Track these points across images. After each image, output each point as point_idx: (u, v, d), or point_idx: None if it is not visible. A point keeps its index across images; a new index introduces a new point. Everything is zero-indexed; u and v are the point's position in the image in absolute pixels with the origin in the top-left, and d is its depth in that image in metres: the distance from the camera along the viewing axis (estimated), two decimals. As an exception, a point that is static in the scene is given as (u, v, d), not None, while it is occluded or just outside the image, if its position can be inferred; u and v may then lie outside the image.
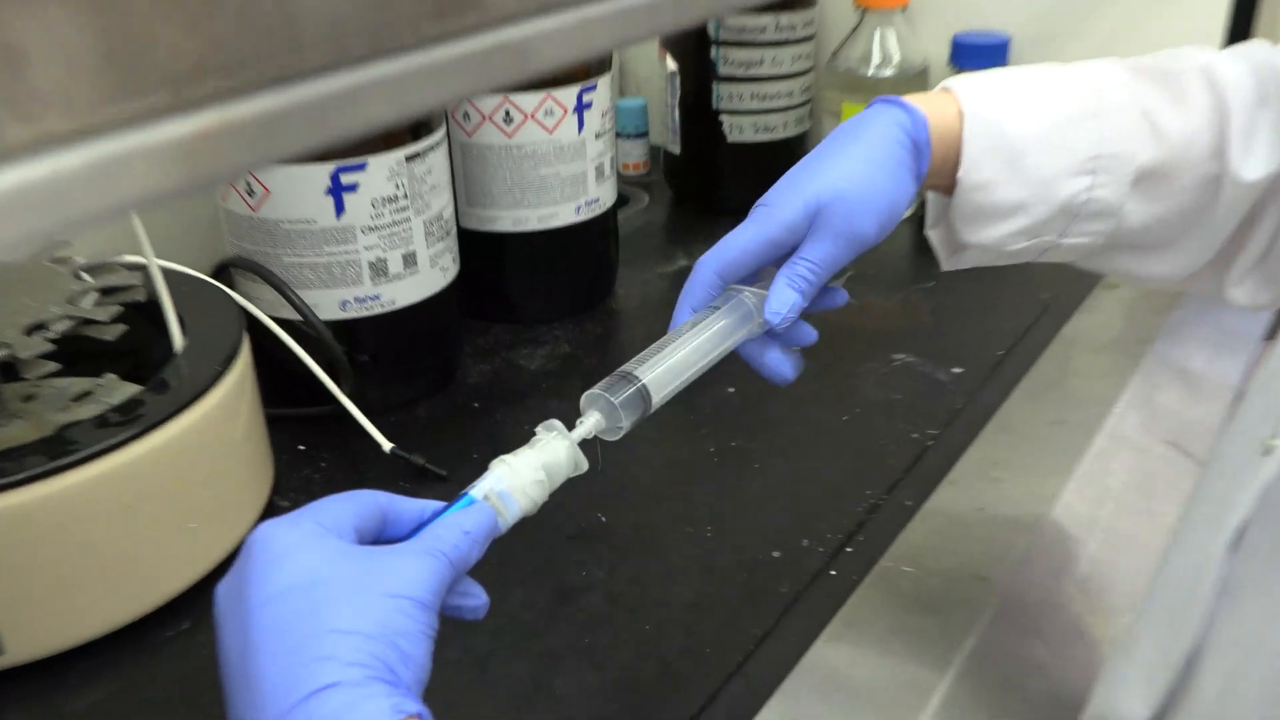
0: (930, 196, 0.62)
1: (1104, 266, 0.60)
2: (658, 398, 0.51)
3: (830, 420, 0.83)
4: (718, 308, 0.54)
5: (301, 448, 0.81)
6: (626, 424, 0.50)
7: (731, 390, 0.87)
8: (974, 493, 0.73)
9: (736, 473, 0.77)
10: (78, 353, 0.68)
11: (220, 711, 0.39)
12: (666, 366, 0.52)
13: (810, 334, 0.57)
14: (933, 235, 0.62)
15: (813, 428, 0.82)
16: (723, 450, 0.80)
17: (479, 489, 0.46)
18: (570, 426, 0.49)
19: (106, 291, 0.69)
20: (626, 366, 0.51)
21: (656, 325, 1.00)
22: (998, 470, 0.75)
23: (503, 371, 0.91)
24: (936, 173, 0.57)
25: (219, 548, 0.67)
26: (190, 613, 0.65)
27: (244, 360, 0.70)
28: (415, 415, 0.85)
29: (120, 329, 0.65)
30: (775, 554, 0.69)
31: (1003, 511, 0.71)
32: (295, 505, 0.72)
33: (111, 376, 0.74)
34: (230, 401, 0.67)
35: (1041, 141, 0.55)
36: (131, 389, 0.72)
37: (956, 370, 0.89)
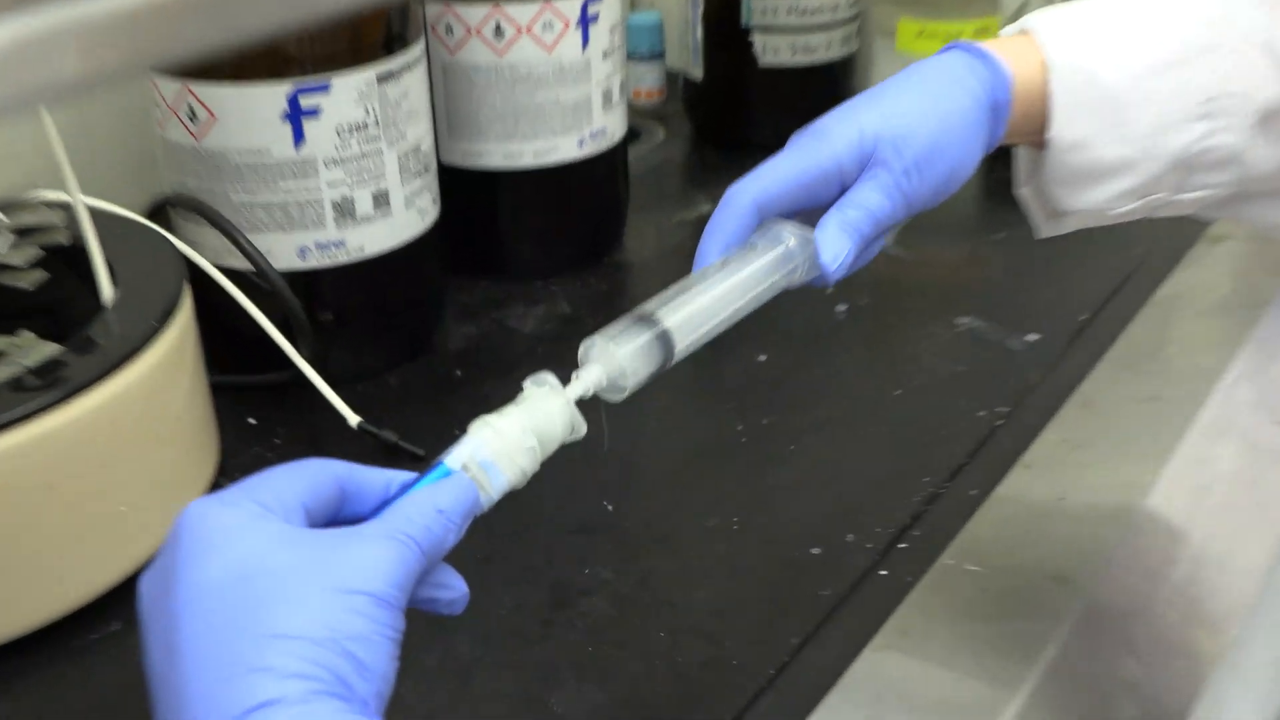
0: (1019, 153, 0.61)
1: (1229, 216, 0.60)
2: (681, 346, 0.50)
3: (881, 394, 0.83)
4: (754, 245, 0.54)
5: (251, 421, 0.81)
6: (634, 380, 0.49)
7: (763, 358, 0.87)
8: (1052, 479, 0.73)
9: (768, 455, 0.77)
10: (-13, 305, 0.68)
11: (156, 725, 0.39)
12: (694, 309, 0.51)
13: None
14: (1025, 196, 0.62)
15: (860, 403, 0.82)
16: (752, 429, 0.79)
17: (455, 457, 0.45)
18: (566, 382, 0.48)
19: (23, 233, 0.69)
20: (645, 306, 0.51)
21: (672, 280, 1.00)
22: (1081, 454, 0.75)
23: (491, 335, 0.91)
24: (1019, 131, 0.57)
25: (154, 536, 0.67)
26: (121, 611, 0.65)
27: (185, 316, 0.70)
28: (387, 385, 0.85)
29: (40, 276, 0.65)
30: (814, 551, 0.68)
31: (1086, 501, 0.71)
32: None
33: (28, 334, 0.74)
34: (168, 365, 0.67)
35: (1144, 88, 0.55)
36: (51, 348, 0.72)
37: (1031, 337, 0.88)
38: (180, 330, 0.69)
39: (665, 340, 0.50)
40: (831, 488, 0.74)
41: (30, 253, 0.67)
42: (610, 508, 0.73)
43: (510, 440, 0.45)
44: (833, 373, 0.86)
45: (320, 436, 0.79)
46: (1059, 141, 0.56)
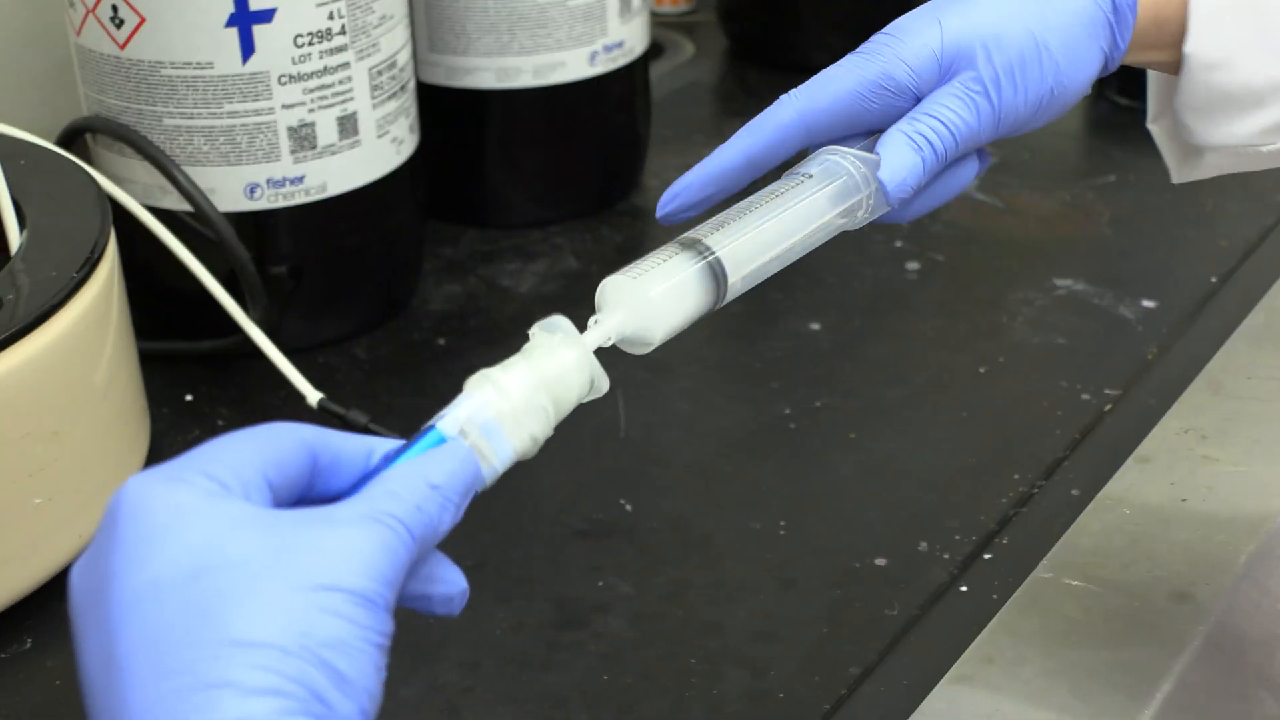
0: (1151, 78, 0.62)
1: None
2: (735, 280, 0.51)
3: (962, 371, 0.84)
4: (809, 175, 0.55)
5: (189, 398, 0.82)
6: (668, 326, 0.51)
7: (816, 326, 0.88)
8: (1173, 477, 0.74)
9: (822, 445, 0.78)
10: None
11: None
12: (749, 240, 0.52)
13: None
14: (1158, 132, 0.63)
15: (936, 382, 0.83)
16: (803, 412, 0.81)
17: (451, 420, 0.44)
18: (583, 328, 0.48)
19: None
20: (691, 233, 0.52)
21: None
22: (1207, 447, 0.76)
23: (479, 296, 0.92)
24: (1148, 44, 0.57)
25: (73, 534, 0.68)
26: (35, 625, 0.66)
27: (108, 268, 0.71)
28: (352, 355, 0.86)
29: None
30: (879, 562, 0.70)
31: (1215, 506, 0.72)
32: None
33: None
34: (88, 326, 0.68)
35: None
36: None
37: (1148, 304, 0.89)
38: (103, 285, 0.70)
39: (714, 273, 0.51)
40: (900, 486, 0.75)
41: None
42: (629, 507, 0.74)
43: (517, 399, 0.45)
44: (901, 345, 0.87)
45: (272, 417, 0.80)
46: (1197, 57, 0.56)
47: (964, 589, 0.68)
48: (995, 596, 0.67)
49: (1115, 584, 0.67)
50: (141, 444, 0.75)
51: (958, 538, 0.71)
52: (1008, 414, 0.80)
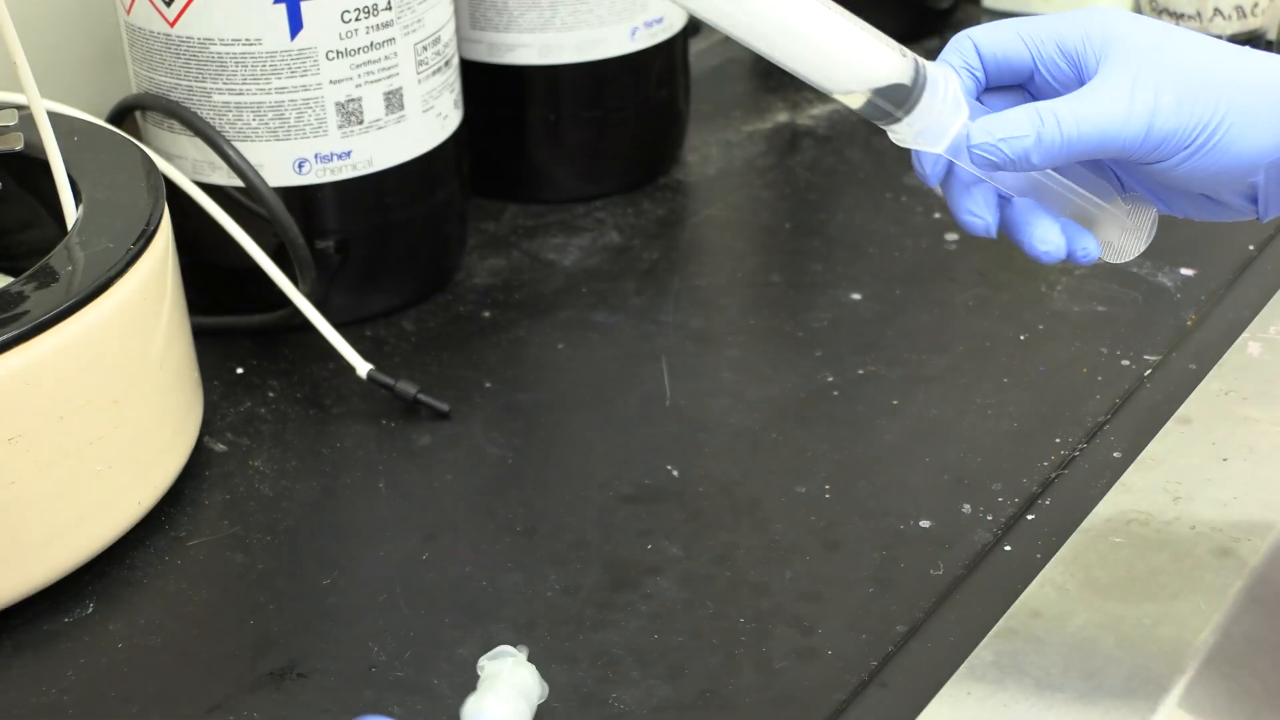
0: None
1: None
2: None
3: (1002, 338, 0.85)
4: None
5: (239, 370, 0.84)
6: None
7: (857, 296, 0.89)
8: (1215, 437, 0.75)
9: (866, 412, 0.80)
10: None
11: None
12: None
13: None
14: None
15: (977, 350, 0.84)
16: (847, 380, 0.82)
17: None
18: None
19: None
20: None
21: (741, 204, 1.03)
22: (1248, 408, 0.77)
23: (524, 269, 0.94)
24: None
25: (132, 501, 0.70)
26: (98, 590, 0.68)
27: (163, 242, 0.73)
28: (400, 328, 0.88)
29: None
30: (924, 524, 0.71)
31: (1255, 465, 0.73)
32: (234, 448, 0.77)
33: (-32, 264, 0.77)
34: (145, 298, 0.70)
35: None
36: (1, 280, 0.76)
37: (1186, 272, 0.90)
38: (158, 257, 0.72)
39: None
40: (943, 451, 0.76)
41: (-19, 160, 0.70)
42: (675, 472, 0.76)
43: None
44: (942, 314, 0.88)
45: (321, 388, 0.82)
46: None
47: (1008, 548, 0.70)
48: (1039, 555, 0.68)
49: (1157, 541, 0.68)
50: (196, 415, 0.77)
51: (1001, 499, 0.72)
52: (1048, 380, 0.82)
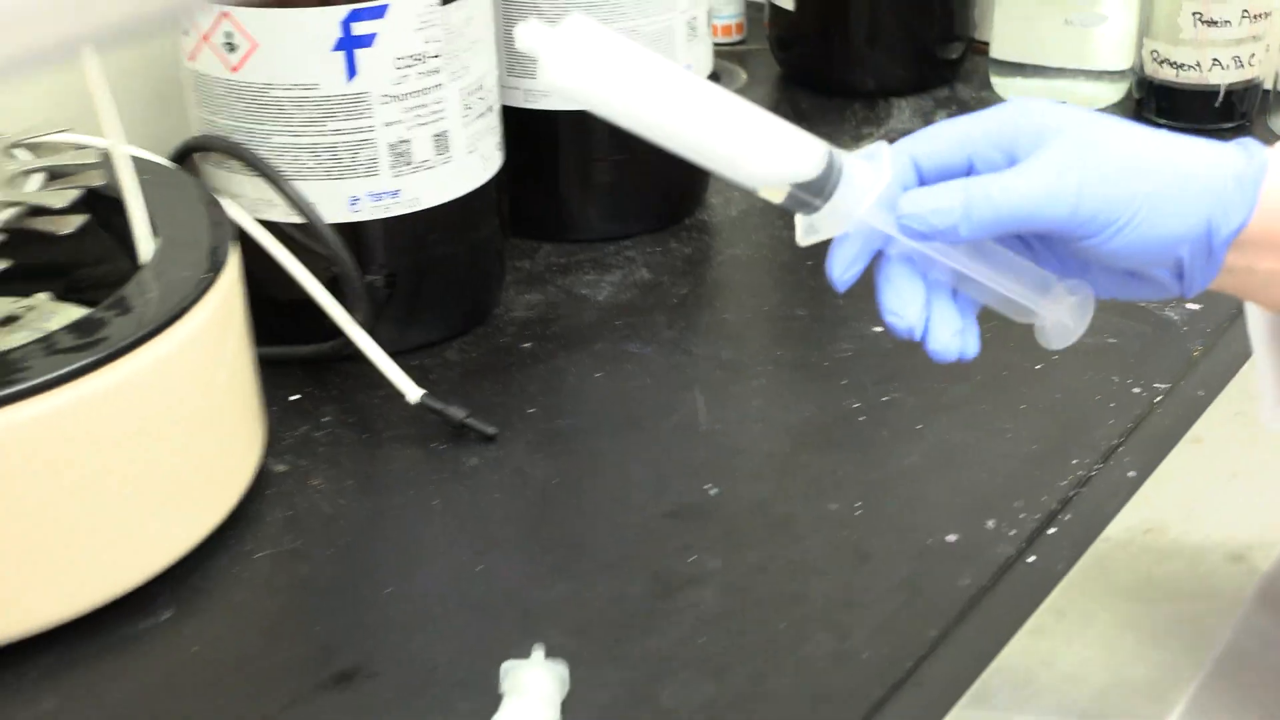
0: (1253, 317, 0.66)
1: None
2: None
3: (1018, 368, 0.89)
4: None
5: (294, 398, 0.88)
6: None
7: (878, 329, 0.94)
8: (1226, 455, 0.80)
9: (891, 436, 0.84)
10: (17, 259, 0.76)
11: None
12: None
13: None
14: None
15: (995, 378, 0.89)
16: (872, 406, 0.87)
17: None
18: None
19: (56, 175, 0.77)
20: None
21: (763, 243, 1.08)
22: (1257, 428, 0.82)
23: (560, 304, 0.98)
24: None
25: (204, 515, 0.74)
26: (173, 598, 0.72)
27: (233, 272, 0.77)
28: (444, 358, 0.92)
29: (80, 219, 0.73)
30: (950, 539, 0.75)
31: (1266, 480, 0.78)
32: (295, 469, 0.81)
33: (42, 296, 0.82)
34: (216, 325, 0.74)
35: None
36: (75, 311, 0.80)
37: (1192, 306, 0.95)
38: (228, 288, 0.76)
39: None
40: (966, 471, 0.81)
41: (68, 194, 0.74)
42: (712, 491, 0.80)
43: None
44: (961, 345, 0.93)
45: (373, 415, 0.86)
46: None
47: (1031, 560, 0.74)
48: (1060, 566, 0.73)
49: (1172, 549, 0.73)
50: (259, 437, 0.81)
51: (1022, 516, 0.77)
52: (1064, 406, 0.86)
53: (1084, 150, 0.56)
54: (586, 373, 0.91)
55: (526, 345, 0.94)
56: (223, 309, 0.76)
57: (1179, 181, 0.56)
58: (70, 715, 0.67)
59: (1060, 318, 0.60)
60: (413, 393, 0.84)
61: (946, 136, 0.58)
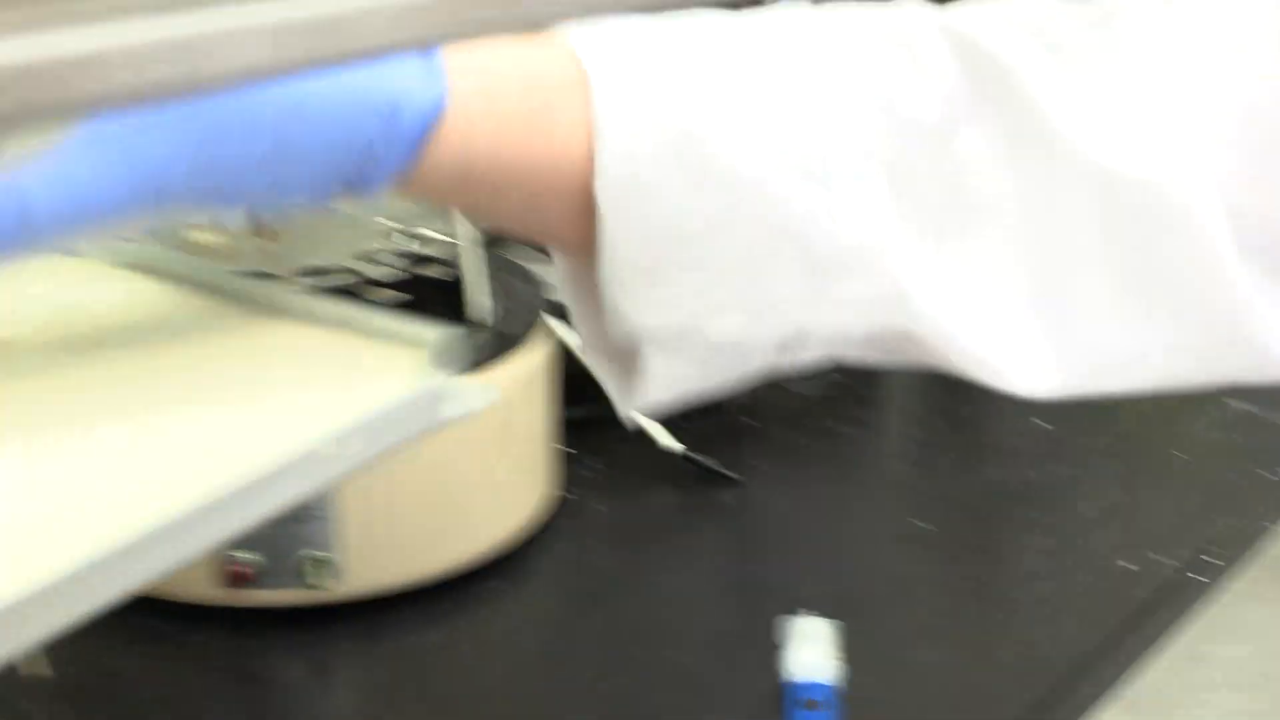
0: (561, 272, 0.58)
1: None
2: None
3: (1154, 456, 1.07)
4: None
5: (569, 450, 1.05)
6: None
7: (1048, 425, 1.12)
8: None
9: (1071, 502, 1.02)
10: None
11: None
12: None
13: None
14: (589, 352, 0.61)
15: (1130, 465, 1.06)
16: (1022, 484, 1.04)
17: None
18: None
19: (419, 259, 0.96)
20: None
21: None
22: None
23: (771, 396, 1.16)
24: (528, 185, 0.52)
25: (521, 511, 0.94)
26: (499, 572, 0.91)
27: (546, 332, 0.96)
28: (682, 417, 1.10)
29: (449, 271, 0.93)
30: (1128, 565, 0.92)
31: None
32: (572, 504, 0.98)
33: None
34: (538, 371, 0.93)
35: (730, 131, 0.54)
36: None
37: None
38: (546, 343, 0.95)
39: None
40: (1137, 520, 0.98)
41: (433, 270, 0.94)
42: (927, 527, 0.98)
43: None
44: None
45: (634, 465, 1.04)
46: (620, 194, 0.51)
47: (1202, 579, 0.91)
48: (1229, 580, 0.90)
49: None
50: (549, 473, 0.99)
51: (1189, 550, 0.94)
52: (1205, 485, 1.04)
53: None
54: (804, 447, 1.09)
55: (751, 420, 1.11)
56: (543, 358, 0.95)
57: (300, 121, 0.47)
58: (452, 647, 0.86)
59: None
60: (675, 445, 1.02)
61: None
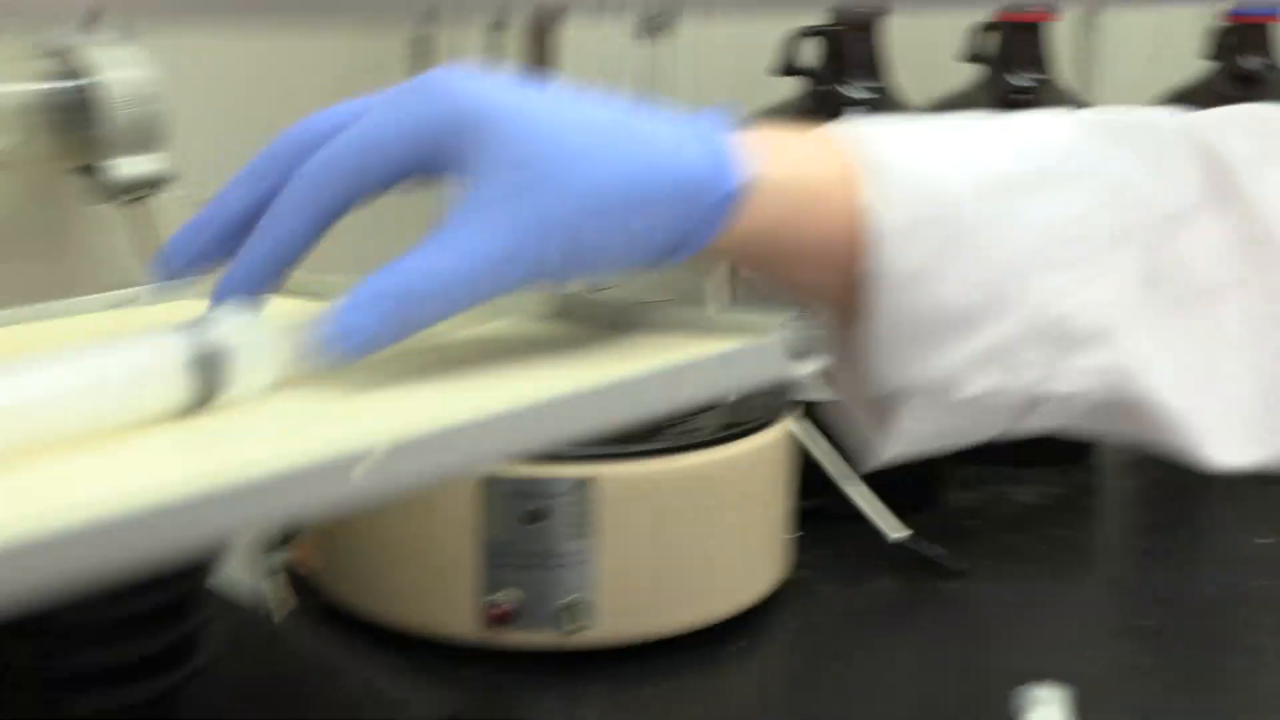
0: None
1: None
2: None
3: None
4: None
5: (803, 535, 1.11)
6: None
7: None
8: None
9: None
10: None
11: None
12: None
13: None
14: (838, 394, 0.64)
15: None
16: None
17: None
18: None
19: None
20: None
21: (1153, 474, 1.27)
22: None
23: (991, 503, 1.20)
24: (803, 259, 0.58)
25: (764, 577, 0.99)
26: (743, 634, 0.96)
27: (790, 410, 1.02)
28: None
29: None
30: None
31: None
32: (802, 580, 1.03)
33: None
34: (782, 444, 0.99)
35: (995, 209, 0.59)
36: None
37: None
38: (788, 422, 1.01)
39: None
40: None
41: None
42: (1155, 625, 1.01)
43: None
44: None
45: (858, 545, 1.08)
46: (891, 272, 0.57)
47: None
48: None
49: None
50: (784, 550, 1.04)
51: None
52: None
53: (528, 188, 0.51)
54: (1018, 552, 1.12)
55: (968, 523, 1.16)
56: (785, 434, 1.00)
57: (644, 212, 0.53)
58: (691, 701, 0.91)
59: None
60: (897, 532, 1.07)
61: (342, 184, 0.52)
